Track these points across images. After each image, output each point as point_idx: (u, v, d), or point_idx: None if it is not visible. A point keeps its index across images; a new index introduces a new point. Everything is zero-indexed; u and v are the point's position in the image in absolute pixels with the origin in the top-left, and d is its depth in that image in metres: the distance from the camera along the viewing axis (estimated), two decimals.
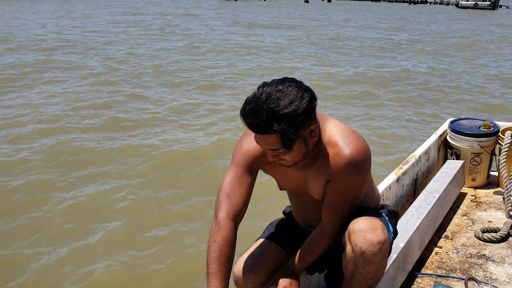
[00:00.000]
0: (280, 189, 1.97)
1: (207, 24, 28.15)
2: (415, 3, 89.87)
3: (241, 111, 1.60)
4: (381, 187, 2.81)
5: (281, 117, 1.53)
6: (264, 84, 1.61)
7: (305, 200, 1.91)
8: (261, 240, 2.02)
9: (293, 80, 1.63)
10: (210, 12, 39.25)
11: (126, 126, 7.93)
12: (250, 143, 1.76)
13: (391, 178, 2.97)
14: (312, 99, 1.60)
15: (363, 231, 1.70)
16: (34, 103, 9.03)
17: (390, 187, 2.90)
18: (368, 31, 26.64)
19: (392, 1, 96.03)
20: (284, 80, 1.62)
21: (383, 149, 7.27)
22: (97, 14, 33.08)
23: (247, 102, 1.58)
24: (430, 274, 2.57)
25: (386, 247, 1.73)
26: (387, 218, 1.93)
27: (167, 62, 14.33)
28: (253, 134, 1.65)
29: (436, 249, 2.84)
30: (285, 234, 2.05)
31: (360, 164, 1.70)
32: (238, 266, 1.91)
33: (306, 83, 1.65)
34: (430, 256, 2.75)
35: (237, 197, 1.75)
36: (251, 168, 1.80)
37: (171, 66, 13.61)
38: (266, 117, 1.53)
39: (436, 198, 2.93)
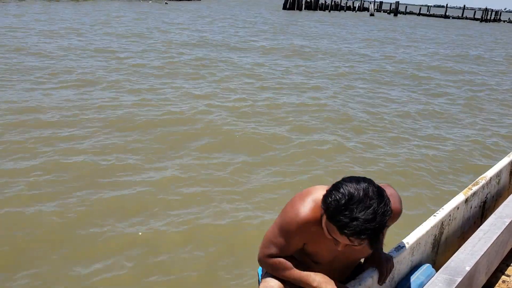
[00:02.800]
0: (314, 262, 1.90)
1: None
2: (486, 21, 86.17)
3: (360, 228, 1.54)
4: (448, 207, 2.71)
5: (384, 227, 1.59)
6: (366, 195, 1.56)
7: (335, 259, 1.90)
8: None
9: (370, 182, 1.64)
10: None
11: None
12: (305, 213, 1.76)
13: (459, 198, 2.86)
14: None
15: None
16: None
17: (458, 207, 2.79)
18: None
19: (462, 18, 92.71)
20: (371, 187, 1.60)
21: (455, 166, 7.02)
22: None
23: (370, 219, 1.53)
24: None
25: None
26: None
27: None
28: (312, 203, 1.75)
29: (503, 277, 2.69)
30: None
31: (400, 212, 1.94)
32: None
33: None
34: (497, 284, 2.61)
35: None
36: (300, 238, 1.81)
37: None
38: (378, 232, 1.57)
39: (507, 223, 2.78)
